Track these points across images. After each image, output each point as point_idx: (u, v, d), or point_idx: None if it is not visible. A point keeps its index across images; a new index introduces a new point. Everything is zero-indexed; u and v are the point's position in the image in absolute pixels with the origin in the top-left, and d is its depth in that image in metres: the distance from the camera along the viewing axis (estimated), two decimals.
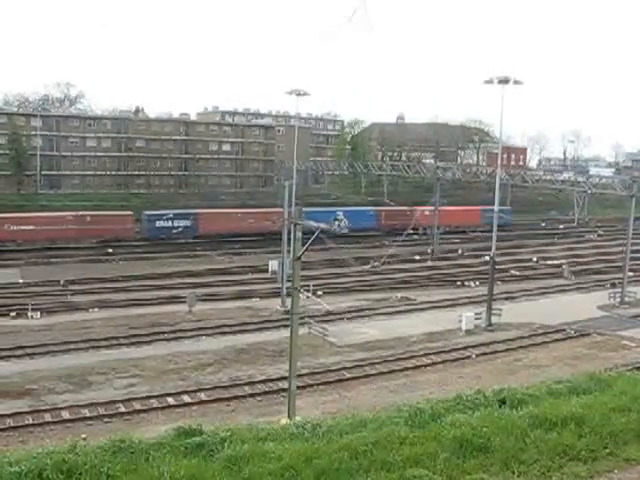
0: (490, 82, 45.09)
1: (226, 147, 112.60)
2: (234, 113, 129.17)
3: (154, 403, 30.08)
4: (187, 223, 77.07)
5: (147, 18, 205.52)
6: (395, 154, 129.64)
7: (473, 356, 38.24)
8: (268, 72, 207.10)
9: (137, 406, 29.64)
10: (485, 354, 38.76)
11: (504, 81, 44.90)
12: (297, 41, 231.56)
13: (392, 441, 11.00)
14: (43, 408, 29.37)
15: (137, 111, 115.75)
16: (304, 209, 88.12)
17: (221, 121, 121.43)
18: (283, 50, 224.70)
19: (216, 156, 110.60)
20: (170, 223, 76.53)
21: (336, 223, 76.86)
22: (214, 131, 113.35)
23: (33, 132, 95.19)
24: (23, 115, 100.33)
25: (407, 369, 35.65)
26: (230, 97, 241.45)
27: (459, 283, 60.54)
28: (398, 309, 50.50)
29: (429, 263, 70.99)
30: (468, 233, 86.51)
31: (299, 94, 62.16)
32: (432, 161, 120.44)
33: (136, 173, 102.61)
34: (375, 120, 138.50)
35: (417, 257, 73.02)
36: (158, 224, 76.07)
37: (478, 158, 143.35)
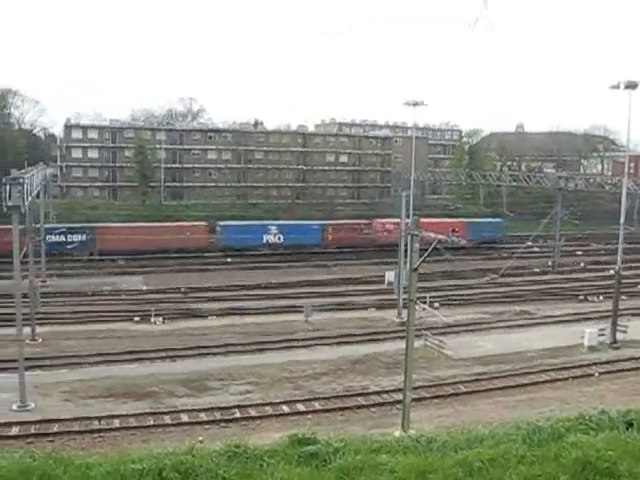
0: (616, 87, 43.23)
1: (343, 158, 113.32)
2: (351, 124, 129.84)
3: (269, 410, 30.49)
4: (82, 238, 71.19)
5: (265, 34, 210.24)
6: (514, 164, 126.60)
7: (596, 374, 36.61)
8: (385, 83, 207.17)
9: (252, 413, 30.14)
10: (609, 372, 37.03)
11: (631, 86, 42.92)
12: (415, 50, 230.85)
13: (509, 459, 10.65)
14: (163, 410, 30.42)
15: (256, 124, 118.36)
16: (225, 223, 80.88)
17: (338, 132, 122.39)
18: (401, 60, 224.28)
19: (333, 167, 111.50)
20: (63, 238, 70.54)
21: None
22: (331, 142, 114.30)
23: (158, 145, 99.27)
24: (149, 129, 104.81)
25: (525, 385, 34.56)
26: (347, 108, 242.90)
27: (582, 297, 58.23)
28: (517, 323, 49.10)
29: (550, 276, 68.81)
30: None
31: (416, 104, 61.78)
32: (553, 171, 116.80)
33: (255, 184, 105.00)
34: (494, 129, 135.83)
35: (537, 270, 70.95)
36: (50, 239, 68.36)
37: (603, 167, 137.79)
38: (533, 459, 10.58)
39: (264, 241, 77.08)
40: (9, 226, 32.27)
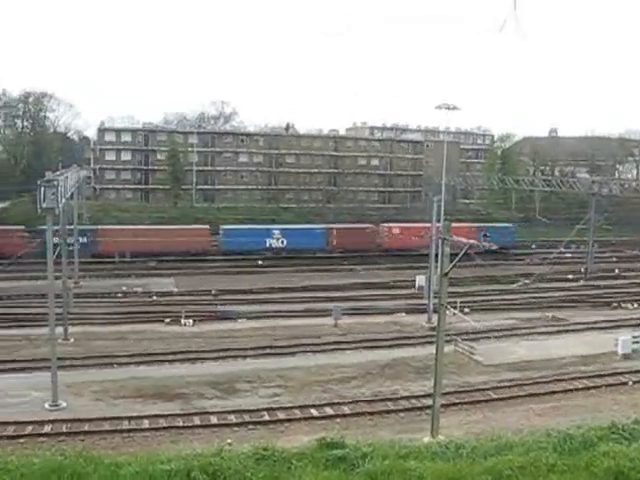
0: None
1: (375, 162, 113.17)
2: (383, 128, 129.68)
3: (297, 413, 30.46)
4: (83, 240, 68.62)
5: (296, 38, 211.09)
6: (547, 169, 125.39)
7: (630, 382, 36.01)
8: (417, 86, 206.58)
9: (281, 415, 30.15)
10: None
11: None
12: (446, 53, 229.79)
13: (539, 467, 10.51)
14: (193, 412, 30.59)
15: (288, 127, 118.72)
16: (228, 227, 77.41)
17: (370, 136, 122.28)
18: (432, 63, 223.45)
19: (365, 171, 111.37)
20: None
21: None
22: (363, 146, 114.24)
23: (190, 148, 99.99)
24: (181, 132, 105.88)
25: (557, 392, 34.11)
26: (379, 112, 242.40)
27: (615, 304, 57.38)
28: (549, 329, 48.51)
29: (583, 282, 67.98)
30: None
31: (448, 108, 61.50)
32: (587, 176, 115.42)
33: (286, 187, 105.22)
34: (526, 134, 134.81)
35: (570, 276, 70.11)
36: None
37: (638, 172, 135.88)
38: (564, 468, 10.43)
39: (267, 245, 76.08)
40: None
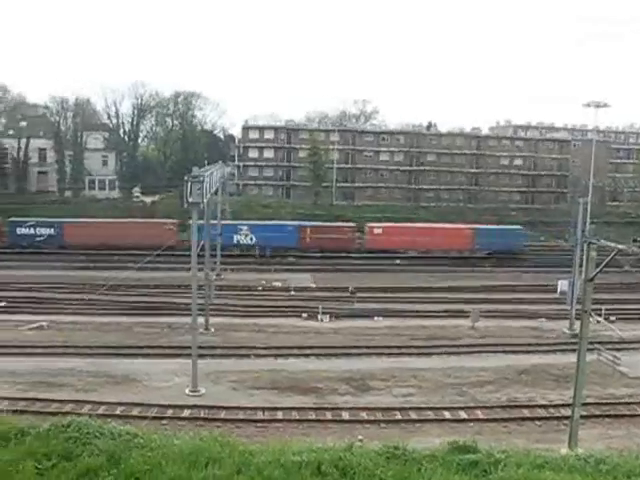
0: None
1: (518, 162, 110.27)
2: (527, 127, 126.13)
3: (430, 415, 30.11)
4: (51, 232, 72.51)
5: (438, 36, 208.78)
6: None
7: None
8: (564, 84, 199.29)
9: (413, 416, 29.89)
10: None
11: None
12: (594, 48, 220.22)
13: None
14: (325, 406, 30.92)
15: (429, 126, 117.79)
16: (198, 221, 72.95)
17: (513, 135, 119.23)
18: (580, 59, 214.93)
19: (507, 171, 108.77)
20: (32, 231, 72.54)
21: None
22: (506, 145, 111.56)
23: (331, 146, 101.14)
24: (322, 130, 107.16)
25: None
26: (523, 110, 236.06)
27: None
28: None
29: None
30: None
31: (597, 106, 58.89)
32: None
33: (426, 187, 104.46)
34: None
35: None
36: (19, 231, 72.56)
37: None
38: None
39: (234, 241, 73.42)
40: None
